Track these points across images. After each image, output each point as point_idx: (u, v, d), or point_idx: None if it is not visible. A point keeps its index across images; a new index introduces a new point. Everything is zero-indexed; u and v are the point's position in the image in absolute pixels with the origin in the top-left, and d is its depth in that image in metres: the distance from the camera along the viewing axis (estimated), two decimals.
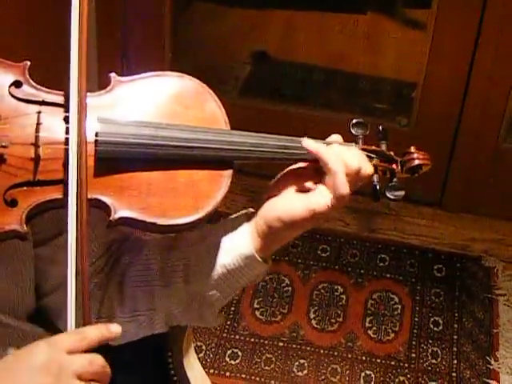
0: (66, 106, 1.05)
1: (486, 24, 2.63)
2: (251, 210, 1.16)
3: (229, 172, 1.09)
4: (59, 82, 1.06)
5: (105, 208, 1.04)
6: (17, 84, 1.06)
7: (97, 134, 1.03)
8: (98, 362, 0.95)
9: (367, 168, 1.13)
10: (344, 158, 1.10)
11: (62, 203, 1.01)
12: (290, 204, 1.10)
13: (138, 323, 1.23)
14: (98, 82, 2.67)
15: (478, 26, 2.65)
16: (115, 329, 0.97)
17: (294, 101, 3.08)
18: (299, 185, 1.12)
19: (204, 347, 2.46)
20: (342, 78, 3.23)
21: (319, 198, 1.09)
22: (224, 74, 3.25)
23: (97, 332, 0.96)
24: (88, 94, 1.05)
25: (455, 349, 2.51)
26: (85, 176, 0.98)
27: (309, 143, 1.11)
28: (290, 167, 1.15)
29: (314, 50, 3.20)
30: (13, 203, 1.01)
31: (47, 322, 1.26)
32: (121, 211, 1.04)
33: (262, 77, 3.31)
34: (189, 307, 1.19)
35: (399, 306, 2.63)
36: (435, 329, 2.57)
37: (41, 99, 1.05)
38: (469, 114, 2.81)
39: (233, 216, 1.18)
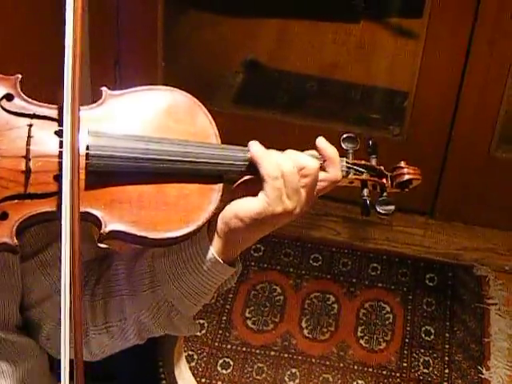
0: (57, 120, 1.05)
1: (478, 33, 2.64)
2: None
3: (219, 186, 1.09)
4: (51, 95, 1.06)
5: (95, 221, 1.03)
6: (8, 97, 1.06)
7: (88, 147, 1.03)
8: None
9: (310, 165, 1.10)
10: (279, 162, 1.08)
11: (53, 216, 1.01)
12: (246, 201, 1.09)
13: (110, 335, 1.22)
14: (91, 91, 2.68)
15: (470, 35, 2.65)
16: None
17: (286, 110, 3.08)
18: (258, 188, 1.10)
19: (195, 356, 2.46)
20: (335, 87, 3.24)
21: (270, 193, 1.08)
22: (216, 82, 3.25)
23: None
24: (79, 107, 1.05)
25: (447, 358, 2.51)
26: (77, 190, 0.98)
27: (253, 147, 1.11)
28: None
29: (306, 59, 3.20)
30: (3, 216, 1.01)
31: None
32: (111, 224, 1.03)
33: (255, 86, 3.31)
34: (157, 314, 1.18)
35: (391, 315, 2.63)
36: (427, 338, 2.57)
37: (32, 112, 1.05)
38: (461, 123, 2.82)
39: None
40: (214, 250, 1.11)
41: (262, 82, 3.31)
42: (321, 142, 1.14)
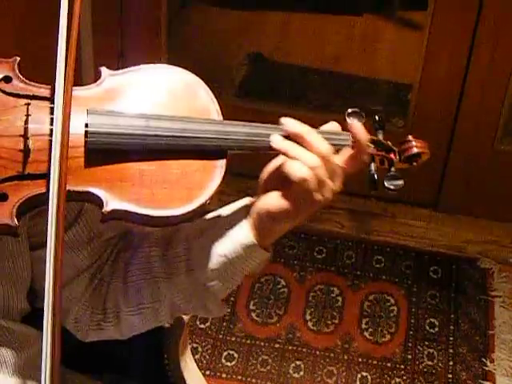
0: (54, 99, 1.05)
1: (482, 26, 2.63)
2: (250, 199, 1.16)
3: (222, 162, 1.08)
4: (49, 77, 1.06)
5: (96, 200, 1.03)
6: (6, 79, 1.06)
7: (86, 125, 1.03)
8: None
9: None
10: (308, 161, 1.07)
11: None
12: (278, 199, 1.09)
13: (143, 316, 1.22)
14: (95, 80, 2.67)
15: (474, 27, 2.65)
16: None
17: (289, 102, 3.08)
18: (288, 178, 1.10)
19: (200, 349, 2.46)
20: (338, 80, 3.24)
21: (301, 194, 1.08)
22: (220, 75, 3.25)
23: None
24: (78, 87, 1.05)
25: (451, 350, 2.51)
26: (65, 168, 0.97)
27: (276, 141, 1.09)
28: (281, 158, 1.12)
29: (309, 52, 3.20)
30: (3, 197, 1.00)
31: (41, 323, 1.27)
32: (113, 203, 1.02)
33: (258, 78, 3.31)
34: (192, 297, 1.19)
35: (395, 308, 2.63)
36: (431, 330, 2.57)
37: (31, 93, 1.05)
38: (465, 116, 2.82)
39: (232, 207, 1.17)
40: (253, 237, 1.12)
41: (266, 74, 3.31)
42: (356, 126, 1.11)
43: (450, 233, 2.92)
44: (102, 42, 2.80)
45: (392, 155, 1.17)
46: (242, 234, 1.13)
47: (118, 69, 1.12)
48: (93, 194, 1.03)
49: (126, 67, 1.13)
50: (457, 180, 2.94)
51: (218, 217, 1.16)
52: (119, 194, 1.03)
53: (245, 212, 1.14)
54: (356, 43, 3.18)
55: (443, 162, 2.92)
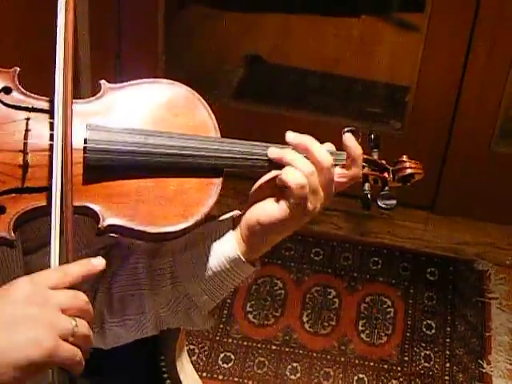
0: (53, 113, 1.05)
1: (479, 27, 2.64)
2: (237, 212, 1.16)
3: (219, 180, 1.09)
4: (48, 87, 1.06)
5: (93, 215, 1.04)
6: (6, 90, 1.06)
7: (85, 141, 1.03)
8: (81, 297, 0.94)
9: (326, 163, 1.09)
10: (302, 167, 1.07)
11: (51, 211, 1.01)
12: (269, 208, 1.10)
13: (127, 327, 1.23)
14: (92, 83, 2.67)
15: (471, 29, 2.65)
16: (98, 262, 0.97)
17: (287, 105, 3.08)
18: (280, 189, 1.11)
19: (197, 350, 2.46)
20: (336, 82, 3.24)
21: (296, 201, 1.08)
22: (217, 78, 3.25)
23: (79, 268, 0.95)
24: (77, 100, 1.05)
25: (448, 352, 2.51)
26: (70, 184, 0.98)
27: (272, 151, 1.10)
28: (273, 173, 1.13)
29: (307, 54, 3.20)
30: (1, 210, 1.00)
31: None
32: (110, 219, 1.03)
33: (256, 81, 3.31)
34: (176, 310, 1.19)
35: (392, 310, 2.64)
36: (428, 332, 2.57)
37: (30, 106, 1.05)
38: (462, 118, 2.82)
39: (218, 220, 1.18)
40: (239, 251, 1.13)
41: (263, 76, 3.31)
42: (349, 140, 1.13)
43: (446, 235, 2.93)
44: (99, 43, 2.80)
45: (386, 174, 1.18)
46: (228, 248, 1.13)
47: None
48: (90, 209, 1.03)
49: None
50: (454, 182, 2.94)
51: (204, 230, 1.16)
52: (116, 209, 1.04)
53: (231, 225, 1.14)
54: (354, 45, 3.19)
55: (440, 164, 2.92)
